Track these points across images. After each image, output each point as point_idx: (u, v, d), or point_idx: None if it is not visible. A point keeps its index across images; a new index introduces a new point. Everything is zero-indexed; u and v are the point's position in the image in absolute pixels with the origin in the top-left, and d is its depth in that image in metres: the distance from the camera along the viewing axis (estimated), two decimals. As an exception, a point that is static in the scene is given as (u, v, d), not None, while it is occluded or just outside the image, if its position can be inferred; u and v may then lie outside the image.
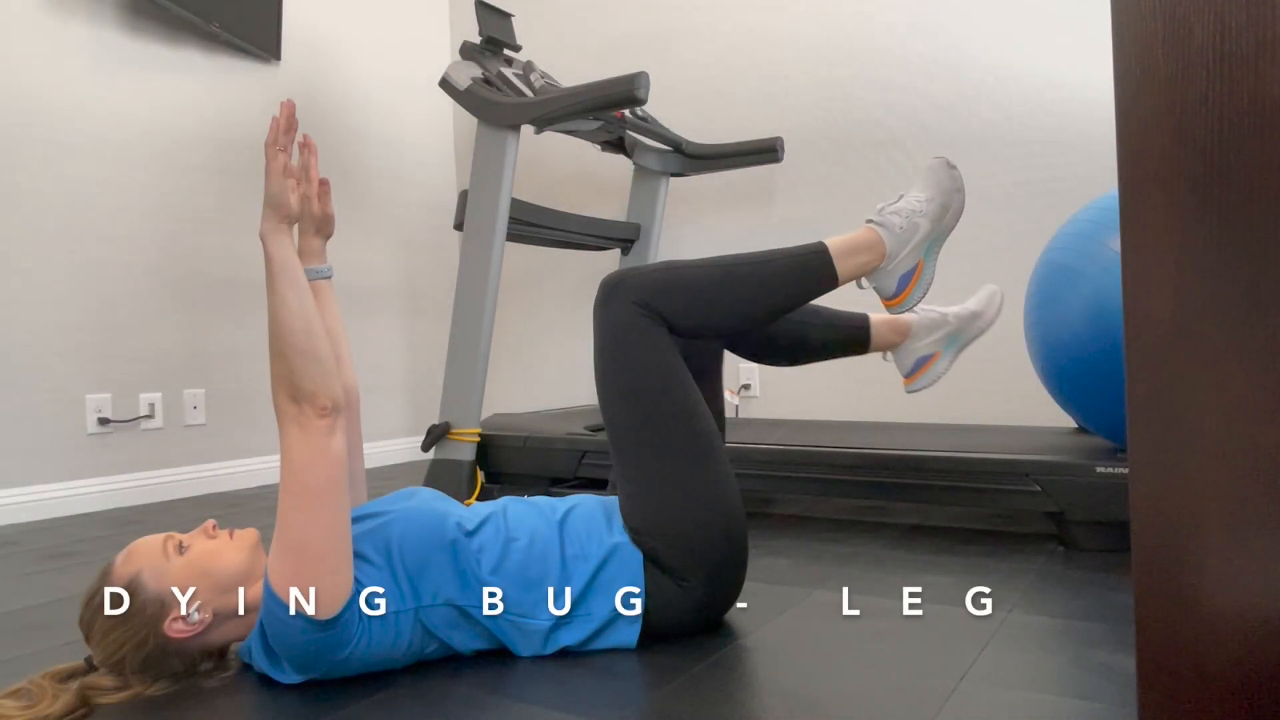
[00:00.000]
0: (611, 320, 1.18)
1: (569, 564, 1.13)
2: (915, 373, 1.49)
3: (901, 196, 1.33)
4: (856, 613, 1.29)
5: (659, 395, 1.16)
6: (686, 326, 1.20)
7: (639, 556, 1.14)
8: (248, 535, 1.10)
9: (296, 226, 1.13)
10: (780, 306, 1.24)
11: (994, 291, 1.54)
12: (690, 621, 1.18)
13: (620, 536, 1.15)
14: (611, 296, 1.18)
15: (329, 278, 1.23)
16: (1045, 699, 0.96)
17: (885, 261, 1.28)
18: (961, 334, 1.50)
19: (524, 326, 3.54)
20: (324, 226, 1.23)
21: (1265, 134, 0.61)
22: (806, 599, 1.37)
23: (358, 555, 1.07)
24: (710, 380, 1.36)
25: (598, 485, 2.29)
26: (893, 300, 1.33)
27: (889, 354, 1.50)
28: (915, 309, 1.49)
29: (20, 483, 2.34)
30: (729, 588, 1.18)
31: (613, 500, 1.23)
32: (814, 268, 1.23)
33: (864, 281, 1.32)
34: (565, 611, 1.11)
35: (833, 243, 1.26)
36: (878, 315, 1.49)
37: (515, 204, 2.33)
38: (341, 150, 3.22)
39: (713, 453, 1.17)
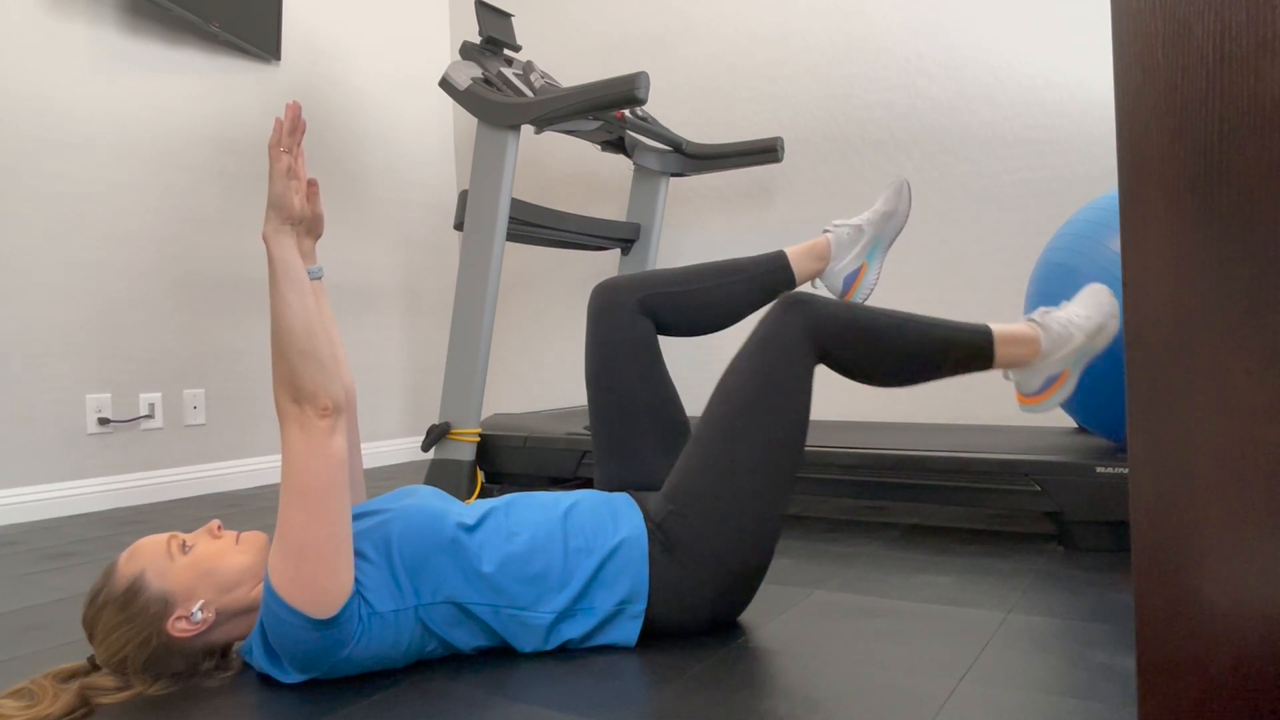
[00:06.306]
0: (778, 328, 1.19)
1: (571, 557, 1.13)
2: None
3: (1063, 306, 1.38)
4: (857, 613, 1.29)
5: (783, 413, 1.17)
6: (842, 360, 1.23)
7: (644, 552, 1.14)
8: (255, 538, 1.10)
9: None
10: (933, 372, 1.27)
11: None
12: (691, 622, 1.18)
13: (626, 531, 1.15)
14: (791, 310, 1.20)
15: (320, 278, 1.24)
16: (1045, 699, 0.96)
17: (1036, 360, 1.32)
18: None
19: (524, 326, 3.54)
20: (314, 227, 1.23)
21: (1265, 134, 0.61)
22: (806, 599, 1.37)
23: (357, 554, 1.07)
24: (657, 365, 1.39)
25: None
26: (1033, 398, 1.37)
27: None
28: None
29: (20, 483, 2.34)
30: (737, 598, 1.19)
31: (618, 495, 1.23)
32: (976, 345, 1.27)
33: (1009, 374, 1.36)
34: (567, 606, 1.12)
35: (998, 328, 1.30)
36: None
37: (515, 204, 2.33)
38: (341, 150, 3.22)
39: (789, 486, 1.19)
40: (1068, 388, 1.34)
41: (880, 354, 1.23)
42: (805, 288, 1.60)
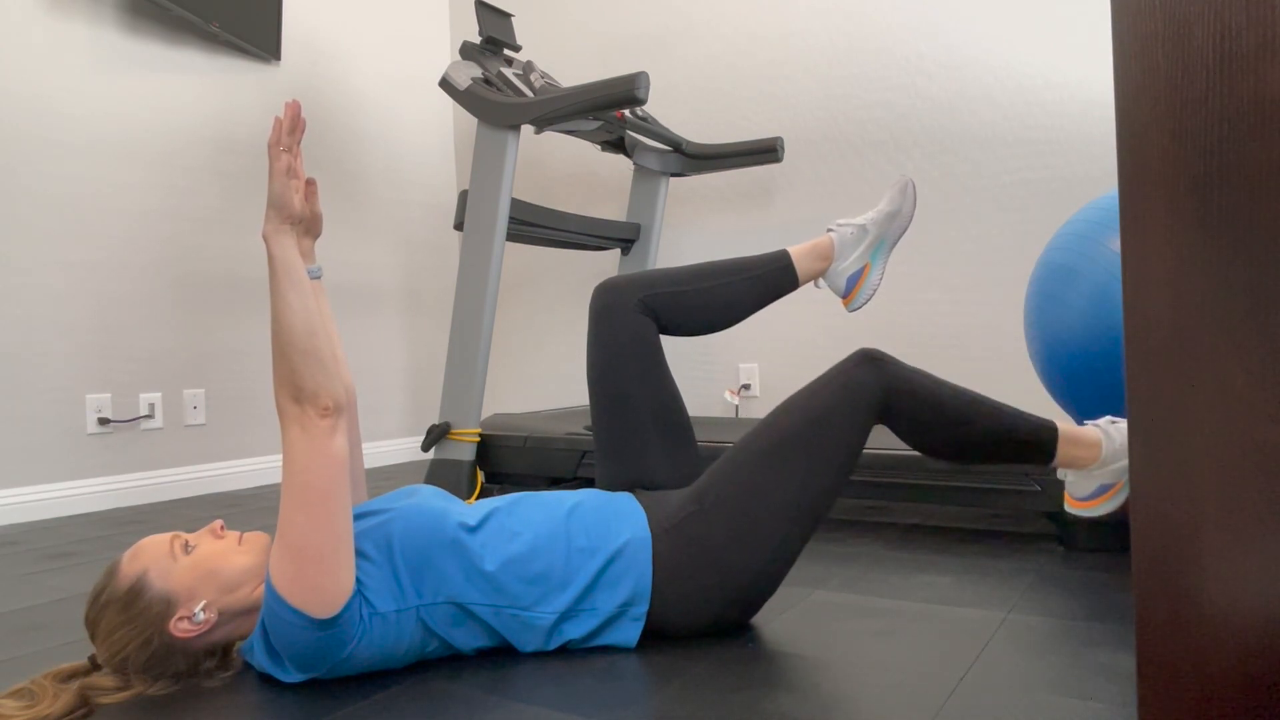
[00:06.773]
0: (851, 378, 1.20)
1: (574, 557, 1.13)
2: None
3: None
4: (857, 613, 1.29)
5: (830, 454, 1.18)
6: (902, 423, 1.23)
7: (648, 554, 1.14)
8: (258, 539, 1.10)
9: None
10: (990, 455, 1.27)
11: None
12: (691, 628, 1.18)
13: (631, 533, 1.15)
14: (868, 366, 1.21)
15: (319, 278, 1.24)
16: (1045, 699, 0.96)
17: (1094, 466, 1.31)
18: None
19: (524, 326, 3.54)
20: (312, 226, 1.23)
21: (1265, 134, 0.61)
22: (806, 599, 1.37)
23: (358, 553, 1.07)
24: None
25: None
26: (1082, 503, 1.36)
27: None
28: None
29: (20, 483, 2.34)
30: (739, 612, 1.20)
31: (621, 495, 1.23)
32: (1040, 438, 1.26)
33: (1064, 473, 1.35)
34: (569, 606, 1.12)
35: (1064, 427, 1.29)
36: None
37: (515, 204, 2.33)
38: (341, 150, 3.22)
39: (812, 525, 1.19)
40: (1118, 500, 1.33)
41: (943, 427, 1.23)
42: (809, 288, 1.59)
